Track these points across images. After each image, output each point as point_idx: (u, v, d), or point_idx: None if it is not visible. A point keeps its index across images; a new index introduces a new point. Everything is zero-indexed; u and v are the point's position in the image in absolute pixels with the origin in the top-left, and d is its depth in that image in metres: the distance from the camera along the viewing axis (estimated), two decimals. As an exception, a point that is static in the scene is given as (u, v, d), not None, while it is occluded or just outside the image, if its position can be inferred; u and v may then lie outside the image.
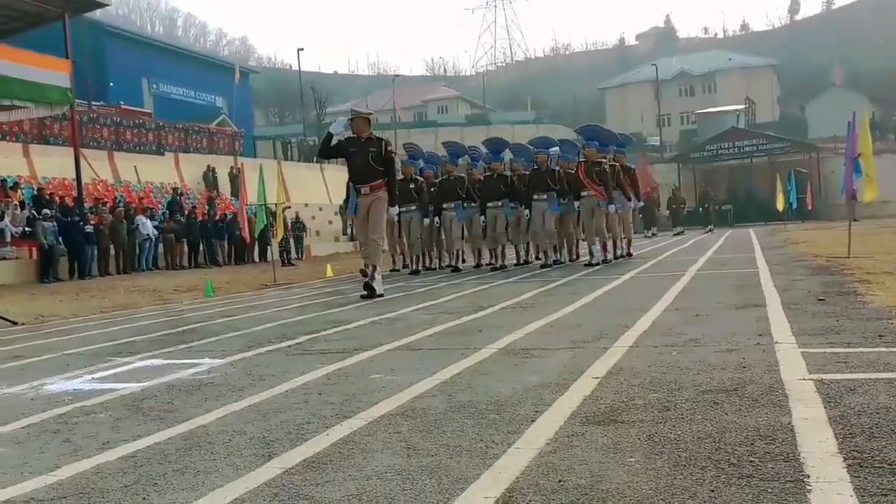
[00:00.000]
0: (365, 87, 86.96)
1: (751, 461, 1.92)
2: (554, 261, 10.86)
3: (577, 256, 11.45)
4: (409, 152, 12.45)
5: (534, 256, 11.77)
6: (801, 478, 1.78)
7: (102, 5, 21.00)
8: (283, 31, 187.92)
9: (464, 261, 12.08)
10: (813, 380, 2.74)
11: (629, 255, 11.63)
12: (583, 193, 10.15)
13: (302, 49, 46.61)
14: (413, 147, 12.80)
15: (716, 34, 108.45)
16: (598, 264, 9.91)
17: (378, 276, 7.56)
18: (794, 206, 26.12)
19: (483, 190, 11.15)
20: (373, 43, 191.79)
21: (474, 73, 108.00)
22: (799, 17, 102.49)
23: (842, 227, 11.20)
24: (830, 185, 33.04)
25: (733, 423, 2.27)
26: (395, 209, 8.07)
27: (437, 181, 11.96)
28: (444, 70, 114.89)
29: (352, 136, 7.71)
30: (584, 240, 11.07)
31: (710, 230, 24.33)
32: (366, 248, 7.66)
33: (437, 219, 11.50)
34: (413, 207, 11.37)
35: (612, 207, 10.14)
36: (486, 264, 11.47)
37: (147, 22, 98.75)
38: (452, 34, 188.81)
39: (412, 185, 11.44)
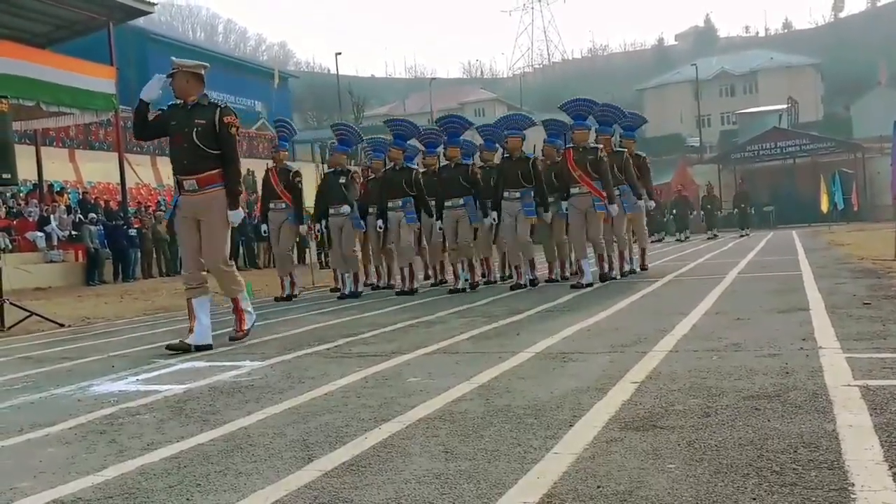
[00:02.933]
0: (402, 89, 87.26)
1: (794, 469, 1.89)
2: (530, 280, 8.21)
3: (574, 273, 8.80)
4: (339, 136, 9.13)
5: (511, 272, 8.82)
6: (846, 486, 1.75)
7: (146, 13, 21.40)
8: (321, 36, 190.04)
9: (417, 280, 9.12)
10: (858, 386, 2.69)
11: (643, 268, 9.51)
12: (572, 190, 7.82)
13: (340, 53, 47.21)
14: (346, 130, 9.32)
15: (757, 33, 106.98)
16: (589, 285, 7.55)
17: (249, 307, 5.33)
18: (841, 206, 25.44)
19: (439, 185, 8.55)
20: (409, 46, 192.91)
21: (511, 75, 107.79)
22: (843, 14, 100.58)
23: (888, 229, 10.94)
24: (876, 186, 32.27)
25: (776, 430, 2.24)
26: (238, 213, 5.18)
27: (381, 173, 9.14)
28: (481, 72, 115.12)
29: (175, 102, 5.19)
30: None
31: (746, 234, 22.26)
32: (188, 277, 5.06)
33: (379, 222, 8.77)
34: (343, 210, 8.63)
35: (613, 208, 7.81)
36: (444, 282, 9.47)
37: (189, 29, 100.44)
38: (489, 36, 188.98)
39: (342, 180, 8.69)
